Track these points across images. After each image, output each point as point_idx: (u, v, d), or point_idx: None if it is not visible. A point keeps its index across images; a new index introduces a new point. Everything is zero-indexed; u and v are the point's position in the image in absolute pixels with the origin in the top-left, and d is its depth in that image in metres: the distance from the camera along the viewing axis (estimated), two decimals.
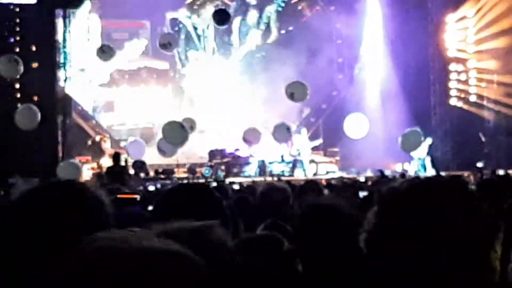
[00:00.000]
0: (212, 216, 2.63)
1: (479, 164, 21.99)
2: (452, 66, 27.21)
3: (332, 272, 3.03)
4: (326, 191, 8.88)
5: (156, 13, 31.26)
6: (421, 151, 24.20)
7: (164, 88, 32.54)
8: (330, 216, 3.18)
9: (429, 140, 24.36)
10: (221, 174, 23.78)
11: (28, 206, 1.97)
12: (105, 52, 19.72)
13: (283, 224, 4.94)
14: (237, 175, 23.87)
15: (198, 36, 32.08)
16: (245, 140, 21.38)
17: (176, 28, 31.66)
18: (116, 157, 17.81)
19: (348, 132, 21.73)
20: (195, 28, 31.80)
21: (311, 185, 7.62)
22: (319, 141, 26.33)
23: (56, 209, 1.95)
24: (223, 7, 24.00)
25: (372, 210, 1.97)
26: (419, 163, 24.40)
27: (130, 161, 21.09)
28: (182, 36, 31.34)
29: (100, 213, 2.00)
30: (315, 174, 24.50)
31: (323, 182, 14.87)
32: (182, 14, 32.16)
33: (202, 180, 20.84)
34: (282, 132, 19.94)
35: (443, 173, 22.04)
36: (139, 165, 20.73)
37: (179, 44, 29.32)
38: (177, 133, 17.94)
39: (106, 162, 24.12)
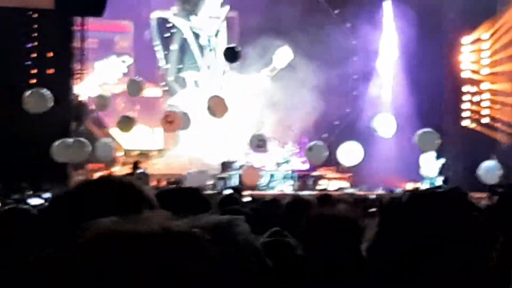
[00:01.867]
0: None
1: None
2: (466, 88, 27.21)
3: (334, 279, 3.08)
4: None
5: (142, 12, 25.43)
6: (432, 171, 24.21)
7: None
8: (334, 225, 3.23)
9: (441, 160, 24.38)
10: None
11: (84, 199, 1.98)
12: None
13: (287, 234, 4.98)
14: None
15: (201, 48, 25.89)
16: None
17: (167, 35, 25.51)
18: (135, 166, 17.86)
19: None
20: (196, 35, 25.63)
21: (325, 200, 7.63)
22: None
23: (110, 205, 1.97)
24: (233, 45, 21.01)
25: (374, 219, 2.01)
26: (429, 183, 24.38)
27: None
28: (175, 47, 25.32)
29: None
30: (325, 190, 24.52)
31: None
32: (175, 13, 25.21)
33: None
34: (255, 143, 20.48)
35: None
36: (141, 176, 20.86)
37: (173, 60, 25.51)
38: None
39: (119, 170, 24.22)
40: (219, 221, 1.43)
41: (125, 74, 25.96)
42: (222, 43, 25.27)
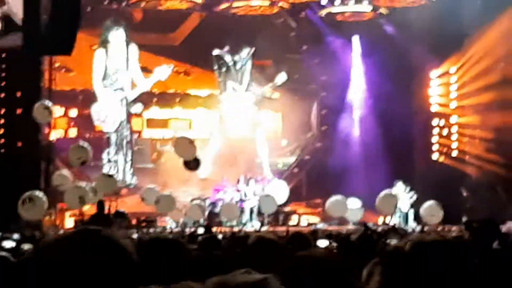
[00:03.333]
0: (182, 270, 2.66)
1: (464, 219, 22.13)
2: (435, 121, 27.45)
3: None
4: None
5: None
6: (404, 205, 24.31)
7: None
8: (323, 269, 3.19)
9: (412, 195, 24.49)
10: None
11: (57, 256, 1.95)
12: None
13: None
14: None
15: (236, 71, 30.17)
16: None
17: (220, 62, 30.09)
18: (100, 205, 17.77)
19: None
20: (235, 63, 30.07)
21: (300, 239, 7.56)
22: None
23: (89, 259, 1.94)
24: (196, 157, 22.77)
25: (377, 268, 1.99)
26: (401, 216, 24.47)
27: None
28: (224, 69, 30.07)
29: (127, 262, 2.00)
30: (296, 225, 24.55)
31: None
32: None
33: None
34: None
35: (426, 227, 22.15)
36: (120, 215, 20.72)
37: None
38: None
39: (89, 209, 24.02)
40: (254, 282, 1.41)
41: None
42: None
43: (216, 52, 28.93)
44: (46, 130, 23.55)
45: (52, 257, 1.95)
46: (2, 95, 22.47)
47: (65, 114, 28.64)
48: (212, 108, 29.83)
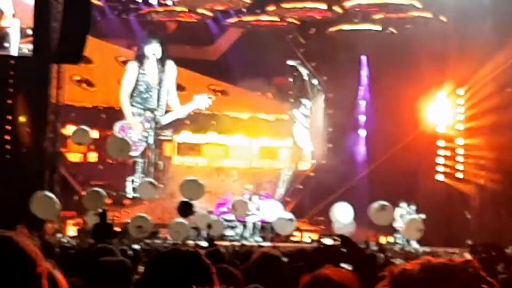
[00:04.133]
0: (201, 283, 2.65)
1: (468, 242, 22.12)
2: (440, 142, 27.41)
3: None
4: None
5: None
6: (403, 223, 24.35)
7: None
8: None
9: (415, 216, 24.45)
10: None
11: None
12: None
13: None
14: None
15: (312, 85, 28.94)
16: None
17: (295, 73, 28.94)
18: (102, 215, 17.79)
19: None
20: (311, 76, 28.74)
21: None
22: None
23: None
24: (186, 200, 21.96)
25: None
26: (403, 237, 24.45)
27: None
28: (298, 83, 28.95)
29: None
30: (299, 242, 24.50)
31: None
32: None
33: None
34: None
35: (427, 248, 22.07)
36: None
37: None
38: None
39: (91, 219, 23.99)
40: None
41: None
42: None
43: (291, 62, 28.51)
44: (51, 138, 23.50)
45: None
46: (10, 101, 22.45)
47: None
48: (279, 135, 28.86)
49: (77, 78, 27.32)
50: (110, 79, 28.26)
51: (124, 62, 28.90)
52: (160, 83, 27.48)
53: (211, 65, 28.45)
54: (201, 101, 26.85)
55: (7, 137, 22.34)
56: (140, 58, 27.54)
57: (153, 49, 27.39)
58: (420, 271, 1.95)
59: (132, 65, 27.59)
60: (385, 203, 21.15)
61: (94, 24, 23.50)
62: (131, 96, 27.36)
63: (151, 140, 27.28)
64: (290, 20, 28.15)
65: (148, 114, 27.33)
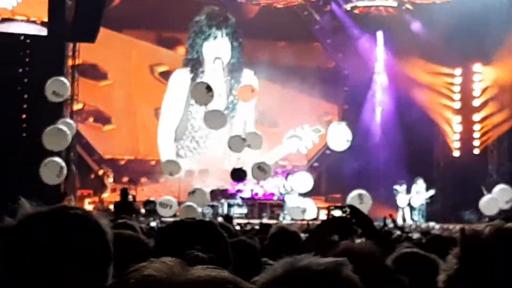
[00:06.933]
0: (215, 253, 2.64)
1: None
2: (457, 118, 27.31)
3: None
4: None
5: None
6: (419, 202, 24.36)
7: None
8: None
9: (431, 192, 24.44)
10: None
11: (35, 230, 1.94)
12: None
13: None
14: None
15: None
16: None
17: None
18: (123, 193, 17.83)
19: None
20: None
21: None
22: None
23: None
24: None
25: (454, 251, 1.96)
26: (418, 213, 24.54)
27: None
28: None
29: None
30: (315, 219, 24.48)
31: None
32: None
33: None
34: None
35: (444, 225, 22.06)
36: (151, 204, 20.87)
37: None
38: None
39: (108, 197, 24.10)
40: (326, 266, 1.39)
41: None
42: None
43: None
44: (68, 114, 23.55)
45: (31, 233, 1.94)
46: (25, 80, 22.55)
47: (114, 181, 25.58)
48: None
49: (84, 108, 25.70)
50: (140, 106, 25.30)
51: (165, 75, 25.20)
52: (231, 107, 21.89)
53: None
54: (307, 138, 22.51)
55: (23, 116, 22.47)
56: (194, 63, 22.72)
57: (218, 48, 22.42)
58: (491, 233, 1.93)
59: (179, 76, 22.99)
60: (363, 192, 20.12)
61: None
62: (177, 133, 23.91)
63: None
64: None
65: (208, 157, 22.73)
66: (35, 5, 22.98)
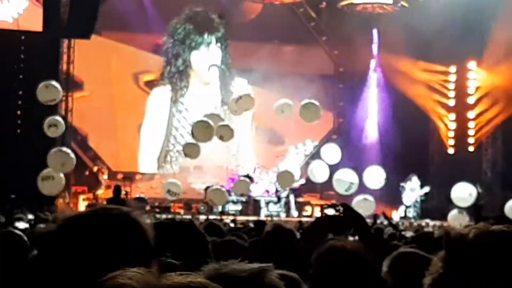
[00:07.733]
0: (194, 253, 2.65)
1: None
2: (452, 116, 27.34)
3: None
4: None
5: None
6: (412, 199, 24.41)
7: None
8: (350, 261, 3.18)
9: (426, 189, 24.48)
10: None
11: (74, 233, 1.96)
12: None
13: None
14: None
15: None
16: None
17: None
18: (116, 190, 17.83)
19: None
20: None
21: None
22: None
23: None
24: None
25: (439, 254, 1.97)
26: (413, 210, 24.58)
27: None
28: None
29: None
30: (310, 216, 24.50)
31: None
32: None
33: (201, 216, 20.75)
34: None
35: (438, 222, 22.08)
36: (141, 201, 20.88)
37: None
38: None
39: (103, 194, 24.10)
40: (250, 272, 1.39)
41: None
42: None
43: None
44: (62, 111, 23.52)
45: (74, 232, 1.96)
46: (21, 76, 22.53)
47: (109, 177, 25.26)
48: None
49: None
50: (123, 122, 23.68)
51: (151, 84, 23.83)
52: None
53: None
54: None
55: (18, 112, 22.46)
56: (178, 77, 20.87)
57: (210, 55, 21.00)
58: (477, 236, 1.93)
59: (158, 96, 21.54)
60: (368, 196, 19.88)
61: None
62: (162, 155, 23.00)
63: None
64: None
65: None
66: (36, 14, 22.49)
